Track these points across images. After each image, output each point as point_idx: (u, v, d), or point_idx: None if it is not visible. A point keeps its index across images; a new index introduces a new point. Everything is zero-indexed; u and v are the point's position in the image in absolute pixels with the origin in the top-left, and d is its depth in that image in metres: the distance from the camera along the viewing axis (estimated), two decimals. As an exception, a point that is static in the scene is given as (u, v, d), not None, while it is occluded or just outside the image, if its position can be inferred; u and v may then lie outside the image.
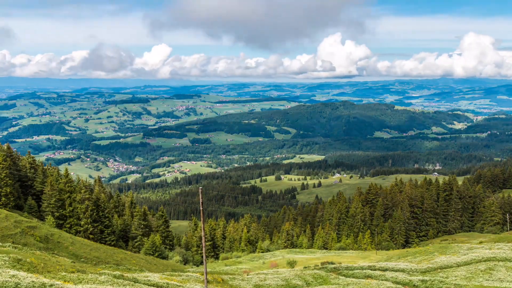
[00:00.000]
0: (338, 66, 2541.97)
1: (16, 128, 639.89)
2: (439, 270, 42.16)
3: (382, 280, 37.75)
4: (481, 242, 66.06)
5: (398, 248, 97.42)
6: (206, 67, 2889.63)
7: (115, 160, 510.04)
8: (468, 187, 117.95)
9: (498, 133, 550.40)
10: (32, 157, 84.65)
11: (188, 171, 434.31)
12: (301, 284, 36.84)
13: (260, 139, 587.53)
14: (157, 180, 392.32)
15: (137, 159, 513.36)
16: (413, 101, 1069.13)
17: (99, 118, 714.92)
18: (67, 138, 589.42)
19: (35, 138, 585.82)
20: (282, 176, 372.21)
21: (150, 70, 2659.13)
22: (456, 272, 40.23)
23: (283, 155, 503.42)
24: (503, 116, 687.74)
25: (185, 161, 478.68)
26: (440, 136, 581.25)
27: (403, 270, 42.19)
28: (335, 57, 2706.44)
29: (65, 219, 68.73)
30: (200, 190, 27.02)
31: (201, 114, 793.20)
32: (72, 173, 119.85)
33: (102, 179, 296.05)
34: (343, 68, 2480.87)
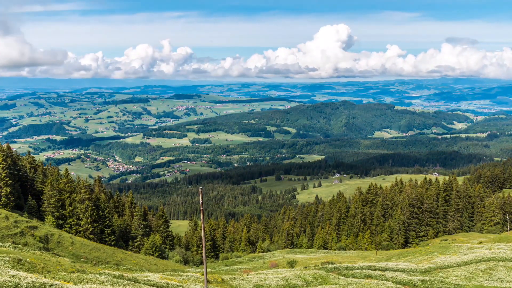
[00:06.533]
0: (336, 65, 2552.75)
1: (16, 128, 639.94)
2: (439, 270, 42.16)
3: (382, 280, 37.75)
4: (481, 242, 66.06)
5: (398, 248, 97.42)
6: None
7: (115, 160, 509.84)
8: (468, 187, 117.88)
9: (498, 133, 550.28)
10: (32, 157, 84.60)
11: (188, 171, 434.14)
12: (301, 284, 36.84)
13: (260, 139, 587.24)
14: (157, 180, 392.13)
15: (137, 159, 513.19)
16: (413, 101, 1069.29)
17: (99, 118, 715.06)
18: (67, 138, 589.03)
19: (35, 138, 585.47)
20: (282, 176, 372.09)
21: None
22: (456, 272, 40.23)
23: (283, 155, 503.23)
24: (503, 116, 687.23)
25: (185, 161, 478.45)
26: (440, 136, 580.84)
27: (403, 270, 42.19)
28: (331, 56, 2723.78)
29: (65, 219, 68.70)
30: (200, 190, 27.02)
31: (201, 114, 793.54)
32: (72, 173, 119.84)
33: (102, 179, 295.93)
34: (340, 67, 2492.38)
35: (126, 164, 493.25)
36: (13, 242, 42.20)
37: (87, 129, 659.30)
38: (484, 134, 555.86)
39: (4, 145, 77.10)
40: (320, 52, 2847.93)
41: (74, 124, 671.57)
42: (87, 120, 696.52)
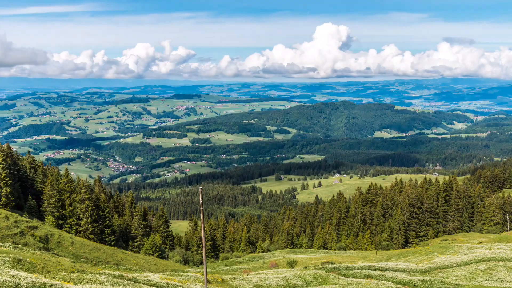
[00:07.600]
0: (335, 66, 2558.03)
1: (16, 128, 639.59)
2: (439, 270, 42.15)
3: (382, 280, 37.75)
4: (481, 242, 66.07)
5: (398, 248, 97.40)
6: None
7: (115, 160, 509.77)
8: (468, 187, 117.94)
9: (498, 133, 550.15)
10: (32, 157, 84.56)
11: (188, 171, 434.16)
12: (301, 284, 36.83)
13: (260, 139, 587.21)
14: (157, 180, 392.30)
15: (137, 159, 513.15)
16: (413, 101, 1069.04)
17: (99, 118, 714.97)
18: (67, 138, 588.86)
19: (35, 138, 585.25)
20: (282, 176, 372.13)
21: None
22: (456, 272, 40.22)
23: (283, 155, 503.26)
24: (503, 116, 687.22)
25: (185, 161, 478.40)
26: (440, 136, 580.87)
27: (403, 270, 42.19)
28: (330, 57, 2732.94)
29: (65, 219, 68.69)
30: (200, 190, 27.03)
31: (201, 114, 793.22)
32: (72, 173, 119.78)
33: (102, 179, 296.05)
34: (338, 67, 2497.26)
35: (126, 164, 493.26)
36: (13, 242, 42.19)
37: (87, 129, 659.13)
38: (484, 134, 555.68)
39: (4, 145, 77.11)
40: (319, 52, 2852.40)
41: (74, 124, 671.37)
42: (87, 120, 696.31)
